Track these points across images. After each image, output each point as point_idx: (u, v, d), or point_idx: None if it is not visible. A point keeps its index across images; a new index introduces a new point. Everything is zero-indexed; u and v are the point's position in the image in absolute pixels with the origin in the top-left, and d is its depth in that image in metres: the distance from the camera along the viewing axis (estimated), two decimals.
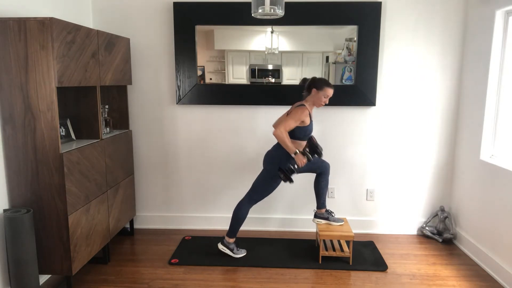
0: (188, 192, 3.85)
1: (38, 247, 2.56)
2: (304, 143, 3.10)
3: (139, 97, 3.71)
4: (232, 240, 3.24)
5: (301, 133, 3.00)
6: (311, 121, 3.04)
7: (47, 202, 2.51)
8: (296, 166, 3.00)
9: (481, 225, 3.21)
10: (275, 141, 3.28)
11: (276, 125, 2.97)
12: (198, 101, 3.64)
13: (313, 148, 3.10)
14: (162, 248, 3.44)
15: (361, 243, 3.53)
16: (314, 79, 3.08)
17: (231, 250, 3.23)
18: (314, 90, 3.02)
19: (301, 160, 2.95)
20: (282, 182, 3.11)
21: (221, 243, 3.26)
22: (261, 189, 3.15)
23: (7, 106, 2.44)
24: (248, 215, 3.69)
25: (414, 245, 3.54)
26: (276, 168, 3.03)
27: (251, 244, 3.47)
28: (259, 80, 3.62)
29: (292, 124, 2.93)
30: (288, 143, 2.92)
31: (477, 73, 3.29)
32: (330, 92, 3.00)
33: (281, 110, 3.60)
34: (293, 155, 2.95)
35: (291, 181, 3.03)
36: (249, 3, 2.57)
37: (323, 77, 3.55)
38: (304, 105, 3.01)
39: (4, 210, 2.43)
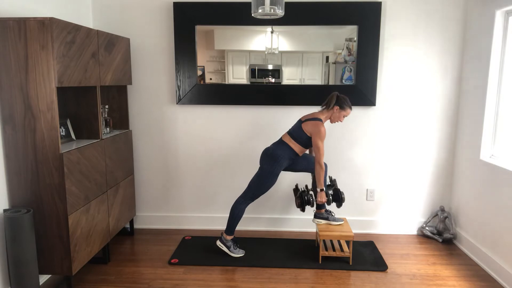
0: (188, 192, 3.84)
1: (38, 247, 2.56)
2: (307, 150, 3.24)
3: (139, 97, 3.71)
4: (229, 237, 3.25)
5: (311, 142, 3.07)
6: None
7: (47, 202, 2.51)
8: (315, 201, 3.12)
9: (481, 225, 3.21)
10: (274, 140, 3.29)
11: (316, 154, 3.00)
12: (198, 101, 3.64)
13: (336, 197, 3.21)
14: (162, 248, 3.44)
15: (361, 243, 3.53)
16: (339, 97, 3.08)
17: (228, 248, 3.23)
18: (336, 108, 3.07)
19: (322, 199, 3.07)
20: (277, 181, 3.18)
21: (219, 240, 3.27)
22: (256, 187, 3.16)
23: (7, 106, 2.44)
24: (248, 215, 3.72)
25: (414, 245, 3.54)
26: (272, 167, 3.07)
27: (251, 244, 3.47)
28: (259, 80, 3.62)
29: (322, 145, 3.02)
30: (322, 179, 3.04)
31: (477, 73, 3.29)
32: (350, 113, 3.14)
33: (281, 110, 3.61)
34: (318, 190, 3.07)
35: (303, 210, 3.19)
36: (249, 3, 2.57)
37: (344, 95, 3.25)
38: (321, 119, 3.05)
39: (4, 210, 2.43)
